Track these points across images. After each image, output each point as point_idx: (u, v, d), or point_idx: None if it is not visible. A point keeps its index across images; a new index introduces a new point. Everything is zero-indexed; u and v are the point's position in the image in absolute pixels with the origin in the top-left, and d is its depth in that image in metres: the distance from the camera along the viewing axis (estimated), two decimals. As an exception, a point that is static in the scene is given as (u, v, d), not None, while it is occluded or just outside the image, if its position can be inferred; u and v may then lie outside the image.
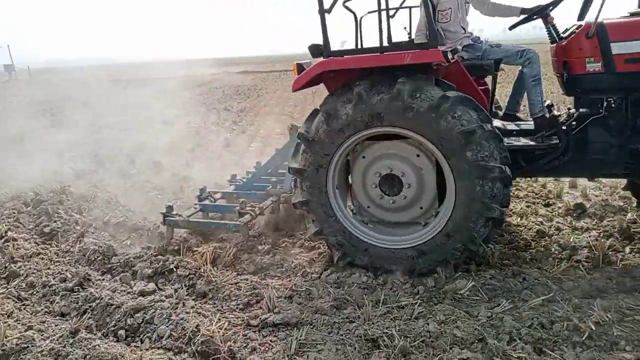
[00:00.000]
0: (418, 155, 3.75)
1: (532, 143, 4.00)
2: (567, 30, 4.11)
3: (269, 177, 5.57)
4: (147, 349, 3.03)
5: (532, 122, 4.17)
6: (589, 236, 4.44)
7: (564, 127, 3.94)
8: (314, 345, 2.93)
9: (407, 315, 3.23)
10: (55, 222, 5.18)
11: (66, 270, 4.14)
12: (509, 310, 3.24)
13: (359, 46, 4.17)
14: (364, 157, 3.88)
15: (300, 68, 3.87)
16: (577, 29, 3.89)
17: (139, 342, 3.13)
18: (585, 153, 3.86)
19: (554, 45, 4.14)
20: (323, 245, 4.25)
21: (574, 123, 3.91)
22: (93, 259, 4.39)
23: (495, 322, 3.08)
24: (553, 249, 4.23)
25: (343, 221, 3.89)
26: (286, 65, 42.96)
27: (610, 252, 3.96)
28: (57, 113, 15.55)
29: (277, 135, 10.88)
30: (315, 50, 3.87)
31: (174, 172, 7.45)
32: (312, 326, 3.14)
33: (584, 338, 2.89)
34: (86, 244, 4.62)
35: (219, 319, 3.21)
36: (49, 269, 4.22)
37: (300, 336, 3.00)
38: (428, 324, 3.08)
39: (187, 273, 3.83)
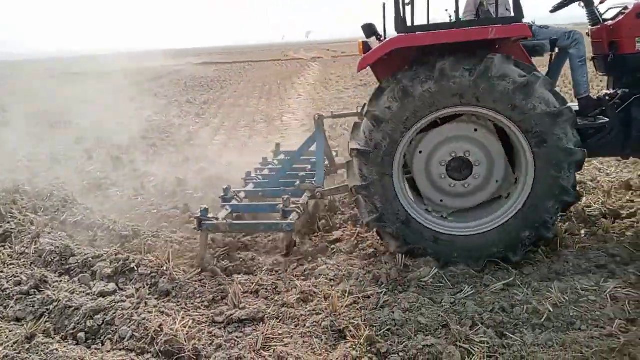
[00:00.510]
0: (476, 130, 3.68)
1: (584, 122, 3.93)
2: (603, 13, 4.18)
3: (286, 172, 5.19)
4: (108, 351, 2.94)
5: (577, 103, 4.16)
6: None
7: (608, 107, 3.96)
8: (280, 339, 2.92)
9: (373, 304, 3.26)
10: (8, 222, 4.93)
11: (21, 273, 3.94)
12: (471, 295, 3.32)
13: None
14: (420, 152, 3.75)
15: (366, 47, 3.68)
16: (623, 9, 3.99)
17: (100, 345, 3.03)
18: (629, 131, 3.89)
19: (596, 26, 4.18)
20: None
21: (617, 102, 3.96)
22: (50, 260, 4.20)
23: (458, 307, 3.15)
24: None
25: (407, 208, 3.71)
26: (250, 56, 42.52)
27: (567, 236, 4.11)
28: (7, 109, 14.82)
29: (241, 128, 10.75)
30: (369, 30, 3.79)
31: (133, 167, 7.24)
32: (278, 320, 3.12)
33: (542, 320, 3.00)
34: (42, 244, 4.41)
35: (183, 317, 3.15)
36: (2, 272, 4.02)
37: (267, 331, 2.98)
38: (393, 312, 3.11)
39: (149, 272, 3.72)
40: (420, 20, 3.69)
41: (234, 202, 4.47)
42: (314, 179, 4.63)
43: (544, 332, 2.89)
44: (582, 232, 4.22)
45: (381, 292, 3.40)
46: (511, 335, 2.88)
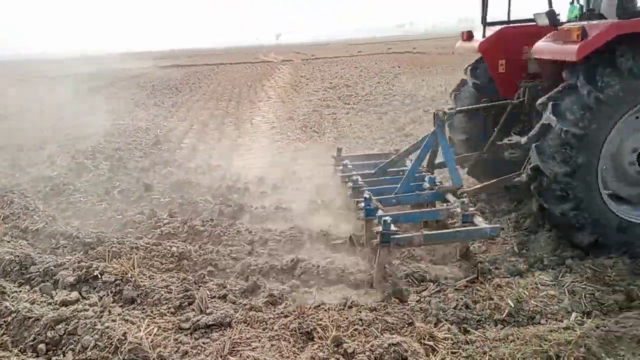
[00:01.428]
0: None
1: None
2: None
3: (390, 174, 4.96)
4: (70, 362, 2.86)
5: None
6: (509, 219, 4.72)
7: None
8: (248, 343, 2.90)
9: (341, 305, 3.28)
10: (-36, 232, 4.74)
11: (-23, 285, 3.80)
12: (435, 293, 3.39)
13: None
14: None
15: (584, 33, 3.57)
16: None
17: (61, 355, 2.94)
18: None
19: None
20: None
21: None
22: (9, 269, 4.05)
23: (424, 305, 3.21)
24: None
25: (605, 197, 3.68)
26: (219, 59, 42.00)
27: (525, 232, 4.24)
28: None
29: (211, 131, 10.64)
30: (552, 16, 3.90)
31: (97, 173, 7.06)
32: (246, 324, 3.11)
33: (504, 315, 3.09)
34: (1, 254, 4.26)
35: (148, 325, 3.09)
36: (-44, 284, 3.86)
37: (234, 335, 2.96)
38: (360, 312, 3.15)
39: (114, 279, 3.64)
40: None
41: (380, 211, 3.88)
42: (450, 180, 4.39)
43: (505, 327, 2.99)
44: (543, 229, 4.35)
45: (349, 292, 3.44)
46: (474, 331, 2.96)
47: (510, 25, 5.11)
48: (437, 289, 3.42)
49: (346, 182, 4.76)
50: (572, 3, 4.65)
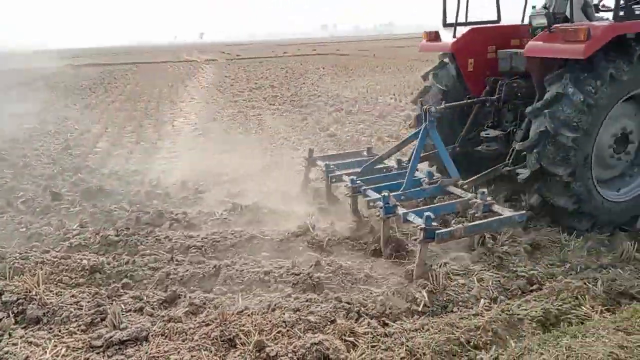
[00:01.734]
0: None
1: None
2: None
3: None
4: (-38, 395, 2.59)
5: None
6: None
7: None
8: (166, 357, 2.79)
9: (264, 308, 3.25)
10: None
11: None
12: (357, 288, 3.47)
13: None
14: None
15: (589, 33, 3.88)
16: None
17: (-48, 389, 2.66)
18: None
19: None
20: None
21: None
22: None
23: (345, 302, 3.27)
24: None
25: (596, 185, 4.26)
26: (140, 57, 40.14)
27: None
28: None
29: (127, 134, 10.11)
30: (550, 18, 4.27)
31: (-1, 182, 6.45)
32: (164, 337, 2.98)
33: (420, 307, 3.23)
34: None
35: (55, 346, 2.87)
36: None
37: (151, 350, 2.83)
38: (284, 314, 3.15)
39: (15, 298, 3.33)
40: None
41: (400, 209, 3.90)
42: (449, 174, 4.53)
43: (421, 318, 3.12)
44: (452, 220, 4.61)
45: (272, 295, 3.42)
46: (393, 324, 3.06)
47: (479, 26, 5.55)
48: (357, 284, 3.50)
49: (332, 182, 4.95)
50: (534, 7, 5.13)
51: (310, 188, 5.53)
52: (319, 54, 38.07)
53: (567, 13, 4.50)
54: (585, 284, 3.35)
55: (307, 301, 3.33)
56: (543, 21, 4.45)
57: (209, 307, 3.32)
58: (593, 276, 3.51)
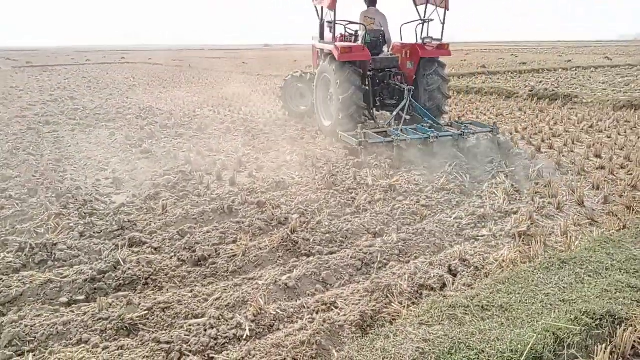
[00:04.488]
0: None
1: None
2: None
3: None
4: None
5: None
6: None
7: None
8: None
9: None
10: None
11: None
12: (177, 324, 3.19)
13: None
14: None
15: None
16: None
17: None
18: None
19: None
20: None
21: None
22: None
23: (164, 342, 2.96)
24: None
25: None
26: None
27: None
28: None
29: None
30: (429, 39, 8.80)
31: None
32: None
33: (246, 332, 3.11)
34: None
35: None
36: None
37: None
38: None
39: None
40: None
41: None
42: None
43: (247, 343, 3.00)
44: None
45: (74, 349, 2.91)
46: (218, 357, 2.88)
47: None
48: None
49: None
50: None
51: None
52: (128, 63, 35.38)
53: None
54: (392, 281, 3.66)
55: (118, 349, 2.93)
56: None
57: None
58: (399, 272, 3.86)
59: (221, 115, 12.08)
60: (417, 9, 9.01)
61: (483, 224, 4.85)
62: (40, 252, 4.16)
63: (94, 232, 4.71)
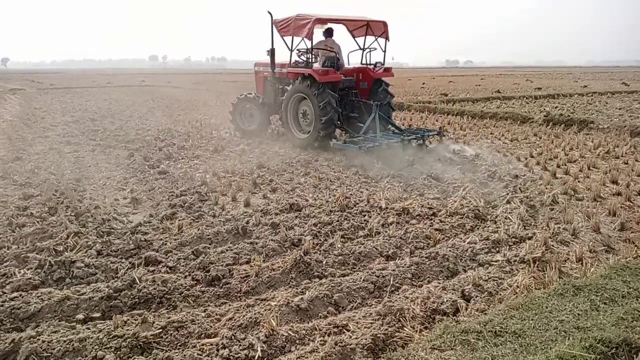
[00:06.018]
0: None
1: None
2: None
3: None
4: None
5: None
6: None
7: None
8: None
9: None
10: None
11: None
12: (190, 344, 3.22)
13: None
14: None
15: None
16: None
17: None
18: None
19: None
20: None
21: None
22: None
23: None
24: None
25: None
26: None
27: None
28: None
29: None
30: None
31: None
32: None
33: (258, 353, 3.13)
34: None
35: None
36: None
37: None
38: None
39: None
40: None
41: None
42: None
43: None
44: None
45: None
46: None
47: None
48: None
49: None
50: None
51: None
52: (149, 86, 36.26)
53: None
54: (405, 305, 3.66)
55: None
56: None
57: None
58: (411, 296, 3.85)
59: (237, 138, 12.28)
60: (355, 40, 11.24)
61: (497, 248, 4.83)
62: (59, 270, 4.26)
63: (111, 251, 4.80)
